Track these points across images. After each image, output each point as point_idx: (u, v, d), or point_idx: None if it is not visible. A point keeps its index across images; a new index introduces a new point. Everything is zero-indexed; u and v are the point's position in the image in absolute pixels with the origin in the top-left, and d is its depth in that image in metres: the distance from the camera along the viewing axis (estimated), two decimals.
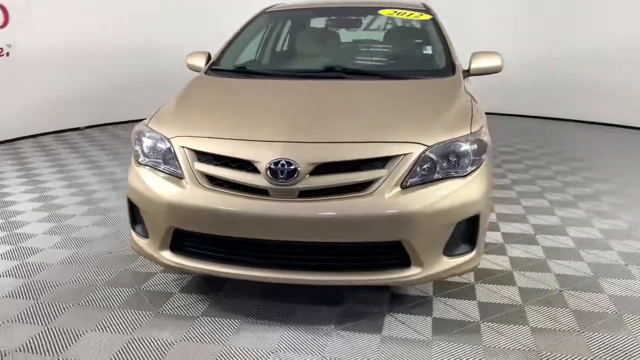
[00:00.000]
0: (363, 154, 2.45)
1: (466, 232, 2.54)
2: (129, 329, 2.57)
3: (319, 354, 2.37)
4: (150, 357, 2.36)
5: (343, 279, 2.46)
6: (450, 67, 3.36)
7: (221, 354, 2.37)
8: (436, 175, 2.47)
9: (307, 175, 2.41)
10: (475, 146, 2.58)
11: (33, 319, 2.64)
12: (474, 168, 2.55)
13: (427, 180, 2.45)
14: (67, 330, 2.55)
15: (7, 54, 6.01)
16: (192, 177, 2.56)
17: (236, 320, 2.63)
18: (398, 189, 2.40)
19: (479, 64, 3.46)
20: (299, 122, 2.70)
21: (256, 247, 2.51)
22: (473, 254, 2.56)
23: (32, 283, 3.00)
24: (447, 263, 2.50)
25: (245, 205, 2.42)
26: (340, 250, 2.46)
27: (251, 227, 2.44)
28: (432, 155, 2.47)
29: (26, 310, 2.72)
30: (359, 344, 2.44)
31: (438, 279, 2.56)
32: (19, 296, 2.86)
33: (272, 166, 2.42)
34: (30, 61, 6.39)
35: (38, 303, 2.79)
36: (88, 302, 2.81)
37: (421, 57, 3.76)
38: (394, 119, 2.70)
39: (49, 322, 2.62)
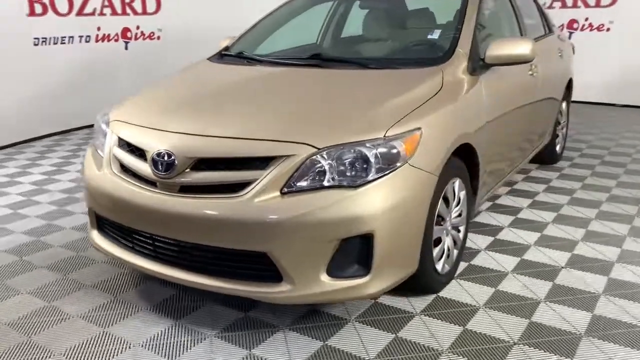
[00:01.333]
0: (243, 152, 2.23)
1: (358, 252, 2.16)
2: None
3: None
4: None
5: (212, 285, 2.27)
6: (447, 56, 2.86)
7: (99, 336, 2.37)
8: (326, 183, 2.14)
9: (189, 170, 2.27)
10: (383, 153, 2.18)
11: None
12: (373, 178, 2.15)
13: (312, 187, 2.14)
14: None
15: (159, 37, 6.72)
16: (108, 161, 2.59)
17: (136, 308, 2.60)
18: (275, 194, 2.13)
19: (498, 51, 2.91)
20: (202, 114, 2.54)
21: (146, 239, 2.45)
22: (366, 279, 2.18)
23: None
24: (329, 284, 2.16)
25: (133, 195, 2.37)
26: (213, 253, 2.27)
27: (136, 218, 2.39)
28: (322, 159, 2.14)
29: None
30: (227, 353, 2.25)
31: (317, 301, 2.23)
32: None
33: (154, 156, 2.33)
34: (176, 43, 6.91)
35: None
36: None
37: (423, 43, 3.25)
38: (299, 116, 2.40)
39: None
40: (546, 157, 4.71)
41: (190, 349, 2.28)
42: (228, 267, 2.26)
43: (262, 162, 2.18)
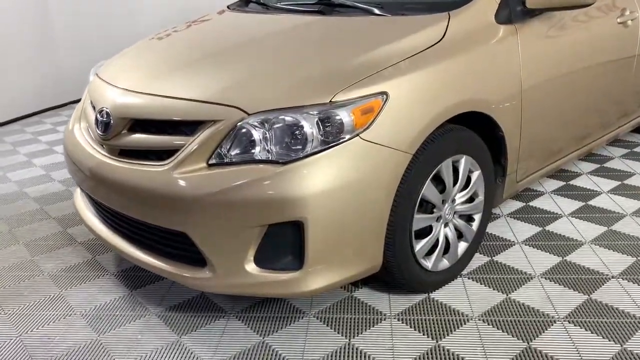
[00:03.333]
0: (171, 114, 1.93)
1: (289, 241, 1.79)
2: None
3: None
4: None
5: (143, 261, 2.04)
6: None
7: (53, 298, 2.30)
8: (258, 156, 1.78)
9: (125, 131, 2.04)
10: (325, 123, 1.75)
11: None
12: (309, 153, 1.74)
13: (241, 160, 1.79)
14: None
15: None
16: (77, 117, 2.47)
17: (103, 272, 2.49)
18: (201, 165, 1.82)
19: None
20: (159, 70, 2.23)
21: (96, 202, 2.29)
22: (298, 273, 1.80)
23: None
24: (256, 276, 1.82)
25: (83, 155, 2.21)
26: (144, 227, 2.03)
27: (84, 180, 2.23)
28: (251, 127, 1.78)
29: None
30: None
31: (245, 293, 1.89)
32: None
33: (97, 114, 2.13)
34: None
35: None
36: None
37: None
38: (244, 75, 2.01)
39: None
40: None
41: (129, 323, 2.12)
42: (159, 244, 2.02)
43: (191, 127, 1.87)
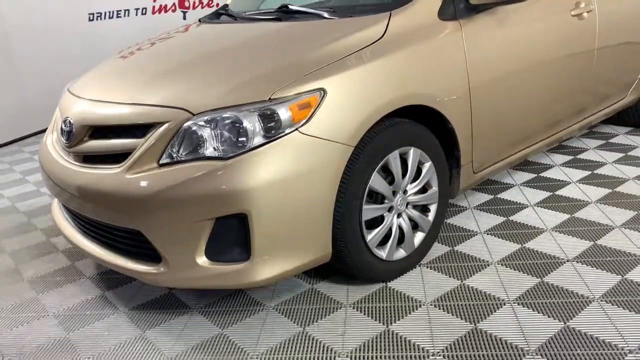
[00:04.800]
0: (124, 119, 2.05)
1: (235, 234, 1.88)
2: None
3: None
4: None
5: (107, 260, 2.15)
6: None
7: (28, 302, 2.41)
8: (207, 153, 1.88)
9: (87, 138, 2.16)
10: (264, 119, 1.85)
11: None
12: (250, 148, 1.83)
13: (190, 158, 1.89)
14: None
15: (217, 4, 6.32)
16: (51, 129, 2.60)
17: (82, 276, 2.60)
18: (152, 165, 1.93)
19: None
20: (118, 80, 2.37)
21: (65, 208, 2.40)
22: (246, 264, 1.89)
23: None
24: (208, 269, 1.91)
25: (53, 165, 2.33)
26: (105, 228, 2.14)
27: (55, 189, 2.34)
28: (198, 127, 1.88)
29: None
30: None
31: (198, 286, 1.99)
32: None
33: (62, 124, 2.26)
34: None
35: None
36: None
37: None
38: (191, 79, 2.13)
39: None
40: (633, 119, 3.82)
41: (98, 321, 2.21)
42: (119, 243, 2.12)
43: (142, 130, 1.98)
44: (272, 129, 1.85)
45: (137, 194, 1.89)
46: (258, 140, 1.84)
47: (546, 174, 3.26)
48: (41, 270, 2.69)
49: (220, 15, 3.16)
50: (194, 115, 1.89)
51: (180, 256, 1.92)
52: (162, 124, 1.92)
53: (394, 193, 2.21)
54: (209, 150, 1.87)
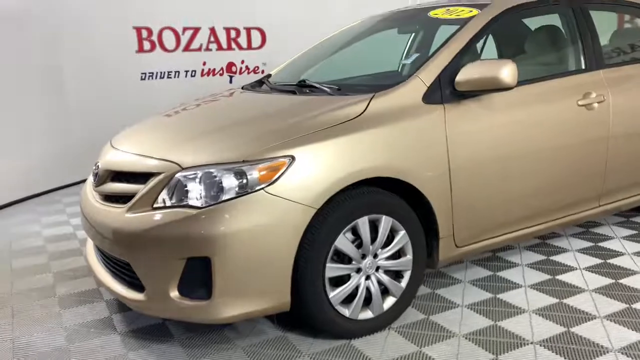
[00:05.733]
0: (132, 167, 2.44)
1: (201, 274, 2.16)
2: None
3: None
4: None
5: (111, 286, 2.49)
6: (400, 82, 2.58)
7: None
8: (188, 201, 2.21)
9: (108, 181, 2.57)
10: (236, 177, 2.15)
11: None
12: (220, 201, 2.13)
13: (175, 204, 2.22)
14: None
15: (262, 71, 6.96)
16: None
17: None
18: (148, 208, 2.28)
19: (467, 75, 2.55)
20: (147, 134, 2.77)
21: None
22: (207, 302, 2.16)
23: None
24: (178, 302, 2.20)
25: (84, 202, 2.71)
26: (111, 259, 2.50)
27: (83, 223, 2.72)
28: (184, 179, 2.22)
29: None
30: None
31: (170, 316, 2.29)
32: None
33: (94, 168, 2.69)
34: None
35: None
36: None
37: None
38: (190, 137, 2.50)
39: None
40: None
41: None
42: (119, 272, 2.47)
43: (145, 178, 2.35)
44: (242, 186, 2.14)
45: (129, 231, 2.25)
46: (229, 195, 2.14)
47: (555, 257, 3.26)
48: (71, 290, 3.12)
49: (261, 83, 3.56)
50: (182, 168, 2.23)
51: (158, 288, 2.22)
52: (159, 174, 2.29)
53: (364, 256, 2.40)
54: (191, 200, 2.19)
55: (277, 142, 2.23)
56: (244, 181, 2.15)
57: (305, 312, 2.32)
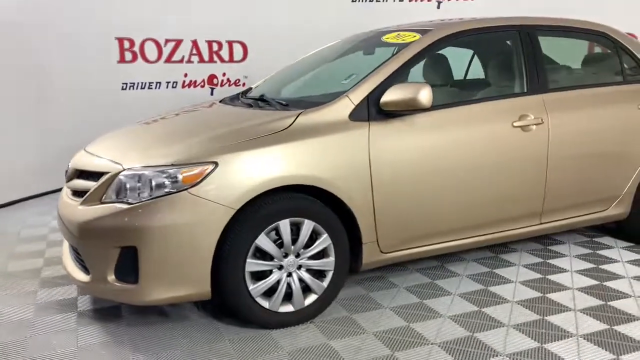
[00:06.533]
0: (91, 166, 2.81)
1: (131, 261, 2.49)
2: None
3: None
4: None
5: (69, 270, 2.86)
6: (331, 100, 2.87)
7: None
8: (126, 197, 2.55)
9: (75, 178, 2.96)
10: (163, 178, 2.49)
11: None
12: (149, 198, 2.47)
13: (115, 200, 2.57)
14: None
15: (244, 84, 6.92)
16: None
17: None
18: (96, 202, 2.63)
19: (390, 97, 2.81)
20: (114, 139, 3.12)
21: None
22: (134, 286, 2.49)
23: None
24: (113, 285, 2.54)
25: (61, 198, 3.12)
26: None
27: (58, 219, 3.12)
28: (124, 177, 2.57)
29: None
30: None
31: (107, 297, 2.66)
32: None
33: (67, 166, 3.09)
34: None
35: None
36: None
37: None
38: (142, 142, 2.86)
39: None
40: (636, 235, 3.80)
41: None
42: (75, 258, 2.84)
43: (98, 176, 2.71)
44: (168, 187, 2.47)
45: (78, 221, 2.61)
46: (157, 194, 2.47)
47: (500, 270, 3.42)
48: (53, 273, 3.53)
49: (238, 97, 3.89)
50: (124, 169, 2.58)
51: (99, 272, 2.57)
52: (107, 172, 2.65)
53: (287, 254, 2.68)
54: (128, 197, 2.53)
55: (205, 149, 2.55)
56: (171, 182, 2.47)
57: (227, 302, 2.62)
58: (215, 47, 6.62)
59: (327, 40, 4.20)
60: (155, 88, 6.44)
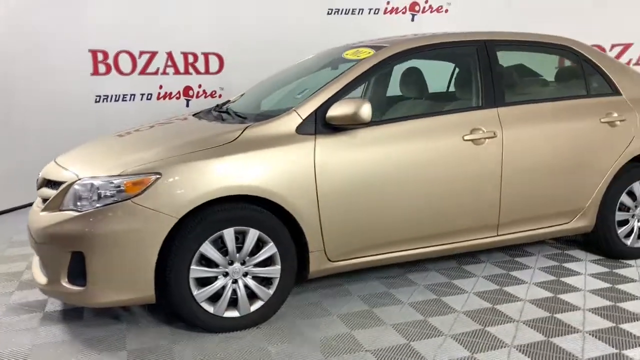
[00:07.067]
0: (53, 176, 2.98)
1: (80, 265, 2.64)
2: None
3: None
4: None
5: (34, 276, 3.04)
6: (279, 114, 3.00)
7: None
8: (78, 206, 2.70)
9: (44, 187, 3.14)
10: (109, 188, 2.64)
11: None
12: (96, 207, 2.62)
13: (69, 208, 2.72)
14: None
15: (220, 96, 6.78)
16: None
17: None
18: (55, 209, 2.81)
19: (334, 111, 2.92)
20: (82, 151, 3.30)
21: None
22: (83, 289, 2.65)
23: None
24: (66, 288, 2.70)
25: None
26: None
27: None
28: (77, 187, 2.72)
29: None
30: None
31: (61, 299, 2.84)
32: None
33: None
34: None
35: None
36: None
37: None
38: (102, 154, 3.03)
39: None
40: (603, 248, 3.81)
41: None
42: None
43: (58, 185, 2.89)
44: (113, 196, 2.62)
45: (37, 227, 2.79)
46: (103, 202, 2.62)
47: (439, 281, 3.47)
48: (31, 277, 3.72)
49: (211, 110, 4.03)
50: (79, 179, 2.75)
51: (54, 275, 2.74)
52: (64, 182, 2.82)
53: (232, 262, 2.80)
54: (79, 205, 2.69)
55: (151, 161, 2.70)
56: (117, 192, 2.62)
57: (172, 306, 2.75)
58: (190, 58, 6.62)
59: (303, 53, 4.32)
60: (130, 100, 6.40)
